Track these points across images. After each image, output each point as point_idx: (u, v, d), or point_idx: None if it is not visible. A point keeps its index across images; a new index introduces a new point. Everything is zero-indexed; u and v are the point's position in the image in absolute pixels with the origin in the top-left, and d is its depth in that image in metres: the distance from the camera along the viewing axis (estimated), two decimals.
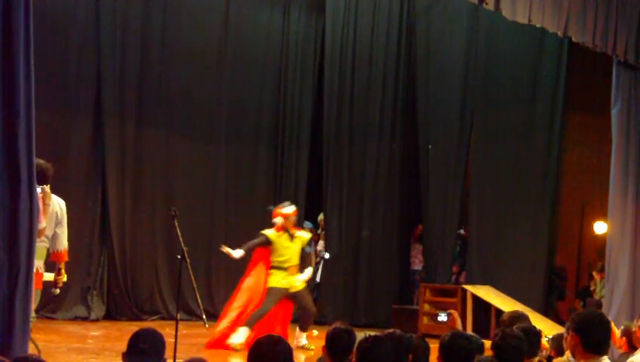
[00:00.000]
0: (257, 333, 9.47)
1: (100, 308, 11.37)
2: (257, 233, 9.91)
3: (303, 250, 10.01)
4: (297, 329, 9.94)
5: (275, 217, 9.88)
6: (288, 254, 9.79)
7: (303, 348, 9.83)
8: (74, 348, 8.82)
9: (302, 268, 10.02)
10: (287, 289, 9.71)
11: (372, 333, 4.33)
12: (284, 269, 9.74)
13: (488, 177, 12.38)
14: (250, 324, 9.41)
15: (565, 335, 4.37)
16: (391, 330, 4.29)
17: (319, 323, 11.55)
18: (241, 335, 9.39)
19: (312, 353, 9.48)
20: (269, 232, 9.82)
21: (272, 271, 9.71)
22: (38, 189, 6.24)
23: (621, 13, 9.80)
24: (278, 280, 9.67)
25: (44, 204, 6.37)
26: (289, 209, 9.95)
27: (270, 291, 9.59)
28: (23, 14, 5.02)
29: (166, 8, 12.15)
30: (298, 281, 9.85)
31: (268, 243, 9.77)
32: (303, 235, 10.08)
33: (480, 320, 11.30)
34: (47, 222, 6.40)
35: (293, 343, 9.61)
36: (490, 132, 12.45)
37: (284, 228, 9.80)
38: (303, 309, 9.95)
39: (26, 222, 5.00)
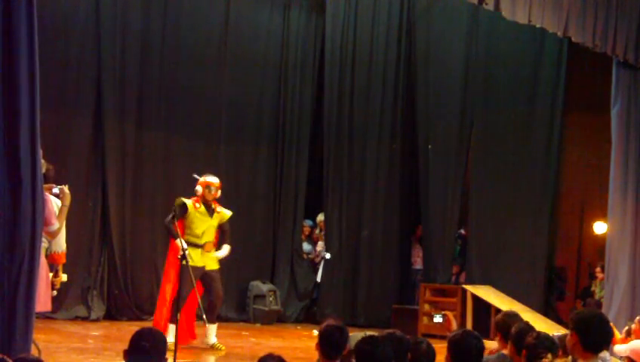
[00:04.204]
0: (182, 324, 8.84)
1: (100, 308, 11.36)
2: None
3: (222, 226, 9.18)
4: (205, 321, 8.91)
5: (196, 186, 9.18)
6: (202, 229, 9.11)
7: (213, 347, 9.17)
8: (74, 348, 8.80)
9: (220, 244, 9.37)
10: (203, 268, 9.05)
11: (369, 333, 4.33)
12: (200, 246, 9.10)
13: (488, 177, 12.39)
14: (173, 319, 8.31)
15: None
16: (391, 330, 4.29)
17: (320, 323, 11.54)
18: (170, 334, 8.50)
19: (223, 353, 9.10)
20: (188, 202, 9.14)
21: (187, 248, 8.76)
22: (56, 189, 6.23)
23: (621, 13, 9.81)
24: (194, 258, 8.87)
25: (63, 205, 6.31)
26: (210, 178, 9.24)
27: (183, 272, 8.46)
28: (25, 12, 5.02)
29: (166, 8, 12.14)
30: (213, 259, 9.19)
31: (186, 212, 9.03)
32: (225, 211, 9.35)
33: (480, 320, 11.30)
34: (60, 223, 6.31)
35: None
36: (490, 132, 12.45)
37: (203, 199, 9.15)
38: (211, 294, 9.19)
39: (29, 221, 4.99)
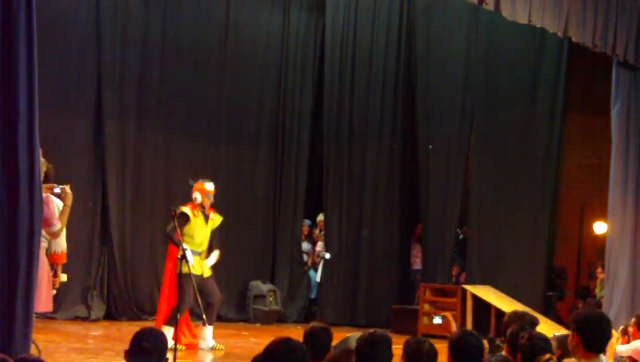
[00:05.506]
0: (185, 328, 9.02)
1: (100, 308, 11.36)
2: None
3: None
4: (202, 324, 9.05)
5: (193, 192, 9.10)
6: (201, 237, 9.10)
7: (213, 349, 9.13)
8: (74, 348, 8.80)
9: (209, 251, 9.33)
10: (201, 276, 8.98)
11: (359, 333, 4.33)
12: (198, 254, 9.07)
13: (488, 177, 12.38)
14: (172, 322, 8.25)
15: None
16: (372, 330, 4.29)
17: None
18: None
19: (223, 353, 9.08)
20: (187, 210, 9.04)
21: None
22: (57, 189, 6.21)
23: (621, 13, 9.82)
24: (195, 266, 8.83)
25: (65, 205, 6.29)
26: (209, 185, 9.17)
27: (185, 279, 8.41)
28: (25, 12, 5.01)
29: (166, 8, 12.14)
30: (207, 266, 9.17)
31: (188, 222, 8.95)
32: (218, 217, 9.31)
33: (480, 320, 11.29)
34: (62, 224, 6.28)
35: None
36: (490, 132, 12.45)
37: (201, 207, 9.13)
38: (212, 297, 9.13)
39: (26, 221, 4.98)
